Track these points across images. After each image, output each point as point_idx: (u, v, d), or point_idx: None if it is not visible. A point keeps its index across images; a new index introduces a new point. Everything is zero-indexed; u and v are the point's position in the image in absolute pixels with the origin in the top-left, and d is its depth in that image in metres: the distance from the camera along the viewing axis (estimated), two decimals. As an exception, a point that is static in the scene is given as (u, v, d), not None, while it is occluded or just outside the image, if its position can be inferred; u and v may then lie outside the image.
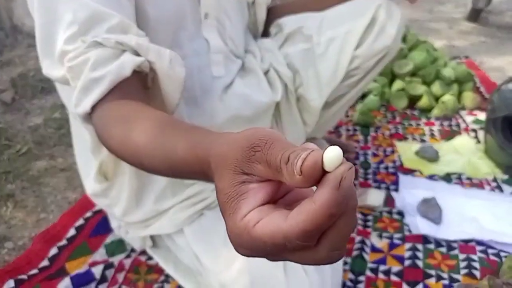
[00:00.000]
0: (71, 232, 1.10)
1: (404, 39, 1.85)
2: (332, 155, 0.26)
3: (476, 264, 0.98)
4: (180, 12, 0.82)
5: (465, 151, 1.40)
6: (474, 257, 1.00)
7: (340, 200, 0.26)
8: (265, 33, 1.13)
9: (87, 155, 0.94)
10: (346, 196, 0.27)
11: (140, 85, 0.64)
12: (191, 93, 0.87)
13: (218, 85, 0.91)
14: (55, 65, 0.68)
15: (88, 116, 0.61)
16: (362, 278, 0.96)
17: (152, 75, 0.66)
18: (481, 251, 1.02)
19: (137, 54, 0.63)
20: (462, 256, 1.01)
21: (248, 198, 0.31)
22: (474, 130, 1.52)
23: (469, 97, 1.67)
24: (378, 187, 1.25)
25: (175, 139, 0.46)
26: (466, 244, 1.04)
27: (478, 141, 1.45)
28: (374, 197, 1.17)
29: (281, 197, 0.34)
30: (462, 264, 0.99)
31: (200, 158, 0.39)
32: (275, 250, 0.30)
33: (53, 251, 1.04)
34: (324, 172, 0.27)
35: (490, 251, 1.02)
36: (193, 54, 0.87)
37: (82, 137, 0.93)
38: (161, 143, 0.48)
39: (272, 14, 1.10)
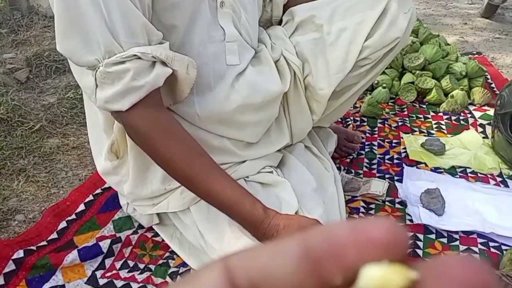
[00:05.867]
0: (81, 207, 1.13)
1: (416, 33, 1.84)
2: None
3: (477, 256, 0.99)
4: None
5: (471, 145, 1.40)
6: (475, 249, 1.01)
7: None
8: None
9: (99, 134, 0.97)
10: None
11: None
12: (206, 80, 0.89)
13: (231, 73, 0.93)
14: (83, 50, 0.73)
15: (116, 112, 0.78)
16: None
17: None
18: (482, 244, 1.03)
19: (164, 62, 0.76)
20: (462, 247, 1.02)
21: None
22: (482, 125, 1.52)
23: (479, 92, 1.66)
24: (383, 177, 1.26)
25: (238, 194, 0.80)
26: (468, 236, 1.05)
27: (486, 136, 1.45)
28: (377, 186, 1.19)
29: None
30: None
31: (270, 218, 0.79)
32: None
33: (62, 225, 1.07)
34: None
35: (491, 244, 1.03)
36: (210, 41, 0.89)
37: (95, 116, 0.95)
38: (223, 190, 0.80)
39: (288, 4, 1.11)
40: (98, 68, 0.73)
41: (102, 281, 0.94)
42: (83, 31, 0.72)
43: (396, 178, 1.26)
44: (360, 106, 1.61)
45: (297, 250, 0.14)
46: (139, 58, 0.73)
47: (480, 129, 1.50)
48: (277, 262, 0.14)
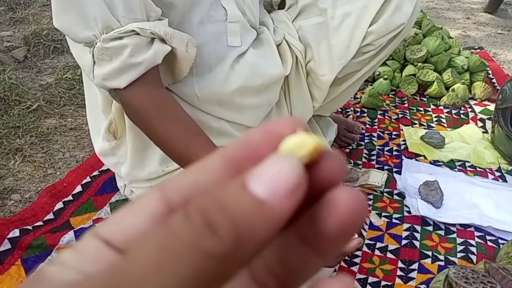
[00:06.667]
0: (78, 189, 1.12)
1: (419, 25, 1.83)
2: None
3: (473, 249, 1.00)
4: None
5: (471, 139, 1.40)
6: (472, 242, 1.02)
7: None
8: (281, 6, 1.12)
9: (98, 115, 0.96)
10: None
11: None
12: (206, 60, 0.88)
13: (232, 54, 0.91)
14: (80, 26, 0.72)
15: (113, 89, 0.77)
16: (358, 253, 0.98)
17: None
18: (480, 237, 1.03)
19: (163, 39, 0.75)
20: (459, 240, 1.02)
21: None
22: (482, 120, 1.52)
23: (480, 87, 1.66)
24: (381, 169, 1.26)
25: None
26: (465, 229, 1.06)
27: (486, 131, 1.45)
28: (376, 177, 1.19)
29: None
30: (459, 248, 1.00)
31: None
32: None
33: (59, 205, 1.07)
34: None
35: (488, 237, 1.03)
36: (211, 21, 0.87)
37: (94, 96, 0.94)
38: None
39: None
40: (96, 44, 0.72)
41: (98, 263, 0.93)
42: (80, 5, 0.70)
43: (395, 169, 1.26)
44: (361, 97, 1.60)
45: (220, 161, 0.17)
46: (137, 34, 0.72)
47: (480, 124, 1.50)
48: (204, 175, 0.17)
